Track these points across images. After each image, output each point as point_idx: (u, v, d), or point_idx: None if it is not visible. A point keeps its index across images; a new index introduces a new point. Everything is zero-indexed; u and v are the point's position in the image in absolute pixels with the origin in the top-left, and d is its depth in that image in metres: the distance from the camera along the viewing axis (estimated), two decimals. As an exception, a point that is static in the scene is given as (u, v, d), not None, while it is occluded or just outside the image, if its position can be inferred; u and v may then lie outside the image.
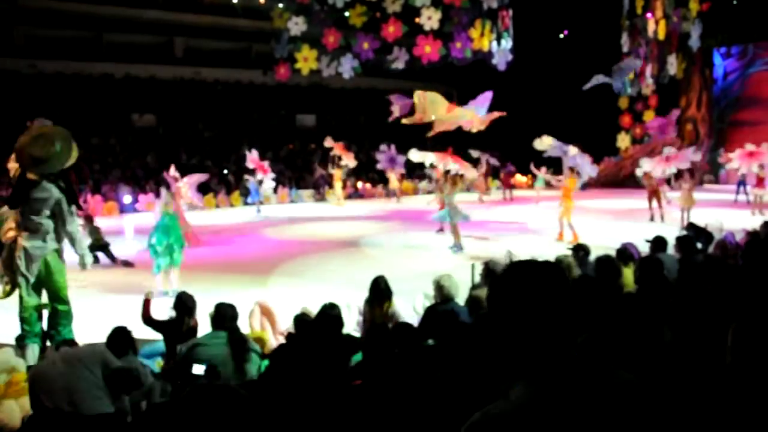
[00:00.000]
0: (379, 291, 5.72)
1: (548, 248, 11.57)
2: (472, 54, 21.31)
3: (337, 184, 24.01)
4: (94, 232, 12.17)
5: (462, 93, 40.35)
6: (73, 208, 6.50)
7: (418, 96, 14.14)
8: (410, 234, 15.71)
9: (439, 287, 5.51)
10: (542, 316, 1.45)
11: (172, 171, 14.99)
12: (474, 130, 15.02)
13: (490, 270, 5.60)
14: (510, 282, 1.51)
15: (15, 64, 29.06)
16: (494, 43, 21.16)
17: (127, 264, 11.98)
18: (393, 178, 25.57)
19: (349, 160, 22.86)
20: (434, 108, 14.01)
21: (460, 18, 21.45)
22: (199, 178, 15.34)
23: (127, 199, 22.86)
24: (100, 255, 11.73)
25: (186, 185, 14.33)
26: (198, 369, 4.17)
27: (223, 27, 32.31)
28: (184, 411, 1.93)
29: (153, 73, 32.29)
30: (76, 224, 6.55)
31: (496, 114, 14.59)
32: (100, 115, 28.88)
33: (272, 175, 21.17)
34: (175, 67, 33.12)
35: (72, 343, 4.88)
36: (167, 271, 9.41)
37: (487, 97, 14.70)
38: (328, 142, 22.63)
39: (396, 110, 16.13)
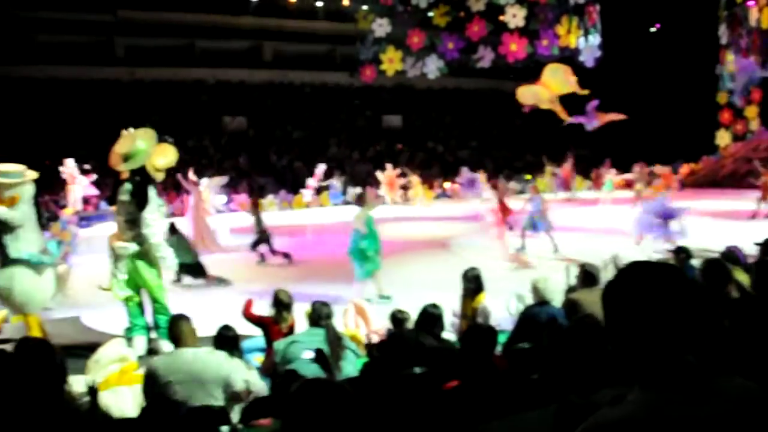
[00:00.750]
0: (472, 283, 5.74)
1: (637, 251, 11.15)
2: (559, 51, 20.85)
3: (417, 188, 23.91)
4: (258, 223, 12.32)
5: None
6: (152, 213, 6.63)
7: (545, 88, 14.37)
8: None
9: (535, 289, 5.42)
10: (662, 319, 1.43)
11: (191, 175, 14.75)
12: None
13: (587, 273, 5.46)
14: (629, 284, 1.49)
15: (116, 73, 30.67)
16: (581, 40, 20.63)
17: (286, 256, 12.20)
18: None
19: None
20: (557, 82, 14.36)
21: (545, 15, 21.04)
22: (219, 180, 15.23)
23: (220, 199, 23.60)
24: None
25: (207, 189, 14.27)
26: (308, 354, 4.34)
27: (309, 31, 32.99)
28: (296, 405, 2.00)
29: (243, 77, 33.36)
30: (150, 227, 6.65)
31: (615, 116, 14.45)
32: (194, 118, 30.04)
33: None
34: (264, 71, 34.10)
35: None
36: (375, 276, 9.38)
37: (593, 106, 14.60)
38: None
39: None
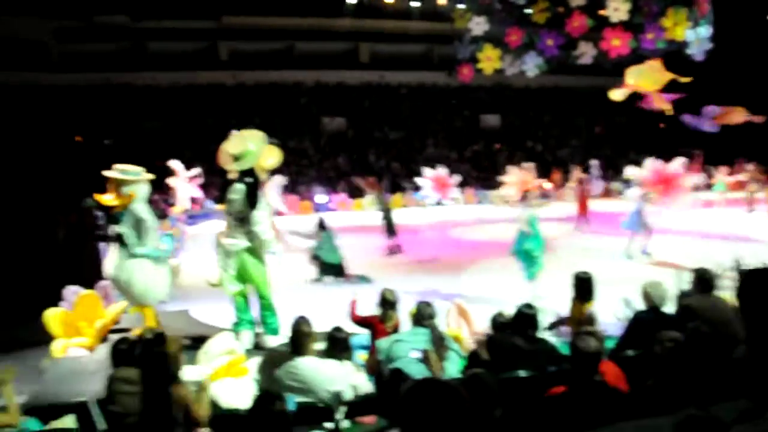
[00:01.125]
0: (585, 289, 5.54)
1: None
2: (665, 45, 19.89)
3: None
4: (380, 202, 12.41)
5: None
6: (262, 211, 6.79)
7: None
8: (602, 238, 15.09)
9: (645, 294, 5.22)
10: None
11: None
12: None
13: (702, 278, 5.19)
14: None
15: (219, 77, 31.91)
16: (690, 32, 19.58)
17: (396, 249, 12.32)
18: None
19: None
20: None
21: (650, 7, 20.11)
22: (279, 180, 14.75)
23: (320, 198, 24.12)
24: None
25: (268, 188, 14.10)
26: (414, 354, 4.36)
27: (405, 31, 33.09)
28: (410, 406, 1.99)
29: (341, 78, 33.88)
30: (260, 224, 6.81)
31: (742, 114, 13.75)
32: (294, 120, 30.82)
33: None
34: (361, 72, 34.51)
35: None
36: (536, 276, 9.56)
37: (710, 110, 13.93)
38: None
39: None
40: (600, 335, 4.49)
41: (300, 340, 4.27)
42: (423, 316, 4.71)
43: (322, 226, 10.33)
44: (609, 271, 10.52)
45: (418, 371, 4.25)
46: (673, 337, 3.59)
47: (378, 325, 5.46)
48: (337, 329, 4.79)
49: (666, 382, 3.44)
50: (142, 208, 6.67)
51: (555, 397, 3.55)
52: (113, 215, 6.59)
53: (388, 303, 5.46)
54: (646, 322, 4.97)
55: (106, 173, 6.61)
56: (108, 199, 6.50)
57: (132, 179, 6.52)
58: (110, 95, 28.99)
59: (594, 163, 25.91)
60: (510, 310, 5.00)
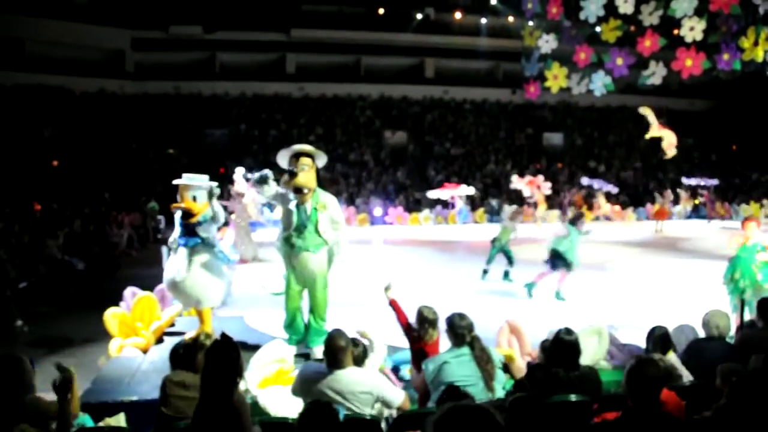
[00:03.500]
0: (658, 344, 4.93)
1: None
2: (741, 66, 19.16)
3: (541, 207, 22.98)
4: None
5: (726, 108, 36.80)
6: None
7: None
8: (665, 260, 14.68)
9: (705, 323, 5.02)
10: None
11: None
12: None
13: (765, 307, 4.97)
14: None
15: (286, 89, 32.53)
16: (771, 52, 18.76)
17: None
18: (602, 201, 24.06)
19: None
20: None
21: (728, 26, 19.42)
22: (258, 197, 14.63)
23: (377, 211, 24.23)
24: None
25: (252, 202, 14.04)
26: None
27: (472, 47, 32.98)
28: (442, 428, 1.94)
29: (405, 93, 34.02)
30: (334, 234, 6.55)
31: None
32: (356, 132, 31.10)
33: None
34: (425, 86, 34.59)
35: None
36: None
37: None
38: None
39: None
40: (666, 364, 4.31)
41: (337, 354, 4.21)
42: (461, 334, 4.54)
43: (574, 221, 10.46)
44: (667, 294, 10.20)
45: (473, 391, 4.18)
46: (734, 370, 3.44)
47: (417, 342, 5.30)
48: (354, 343, 4.67)
49: (725, 417, 3.29)
50: (220, 210, 6.76)
51: (607, 424, 3.44)
52: (187, 224, 6.63)
53: (428, 321, 5.25)
54: (703, 351, 4.82)
55: (178, 181, 6.69)
56: (189, 204, 6.54)
57: (196, 185, 6.64)
58: (179, 104, 29.91)
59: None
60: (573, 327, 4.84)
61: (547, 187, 21.62)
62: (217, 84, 31.57)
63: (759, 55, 19.18)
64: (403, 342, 5.63)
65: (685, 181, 26.80)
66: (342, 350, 4.18)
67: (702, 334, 5.24)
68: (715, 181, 26.51)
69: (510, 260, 11.90)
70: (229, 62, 32.68)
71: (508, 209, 17.22)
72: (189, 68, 31.71)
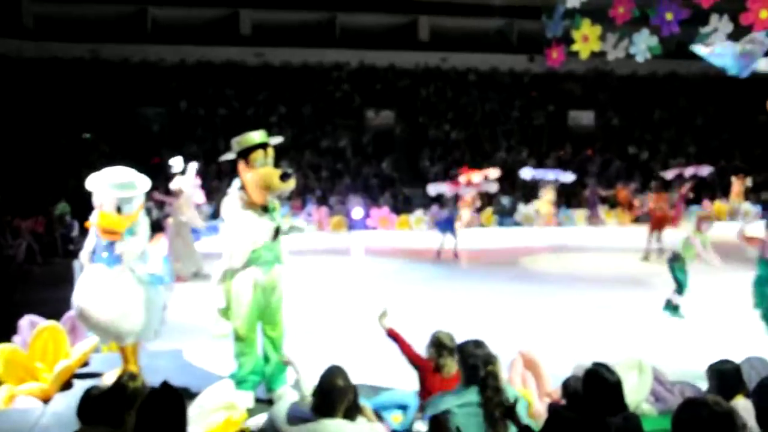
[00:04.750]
0: (724, 382, 4.89)
1: None
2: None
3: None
4: None
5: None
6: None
7: None
8: (713, 276, 14.77)
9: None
10: None
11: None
12: None
13: None
14: None
15: (240, 54, 32.42)
16: None
17: None
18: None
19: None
20: None
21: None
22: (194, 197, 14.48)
23: (357, 212, 24.17)
24: None
25: (187, 201, 14.00)
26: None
27: (477, 2, 32.95)
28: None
29: (393, 60, 34.02)
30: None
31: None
32: (330, 112, 31.04)
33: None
34: (418, 52, 34.61)
35: None
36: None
37: None
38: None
39: None
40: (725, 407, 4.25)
41: (332, 396, 4.20)
42: (474, 366, 4.49)
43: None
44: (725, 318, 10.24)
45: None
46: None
47: (431, 373, 5.40)
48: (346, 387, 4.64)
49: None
50: (144, 223, 6.70)
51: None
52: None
53: (445, 348, 5.37)
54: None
55: (92, 187, 6.53)
56: (110, 221, 6.42)
57: (131, 194, 6.51)
58: (97, 73, 29.61)
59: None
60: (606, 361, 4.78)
61: (488, 182, 20.76)
62: (150, 48, 31.34)
63: None
64: (385, 380, 5.63)
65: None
66: (340, 393, 4.20)
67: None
68: (706, 170, 24.66)
69: (681, 286, 11.22)
70: (165, 19, 32.53)
71: (698, 213, 16.93)
72: (111, 26, 31.45)
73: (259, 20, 33.49)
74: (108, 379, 6.12)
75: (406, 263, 17.20)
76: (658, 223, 17.27)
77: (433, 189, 20.02)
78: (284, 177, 6.29)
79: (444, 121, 32.22)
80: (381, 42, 34.21)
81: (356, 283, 14.02)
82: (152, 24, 32.57)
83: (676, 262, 11.17)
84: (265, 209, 6.46)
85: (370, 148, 30.31)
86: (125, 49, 30.92)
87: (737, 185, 26.84)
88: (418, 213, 25.02)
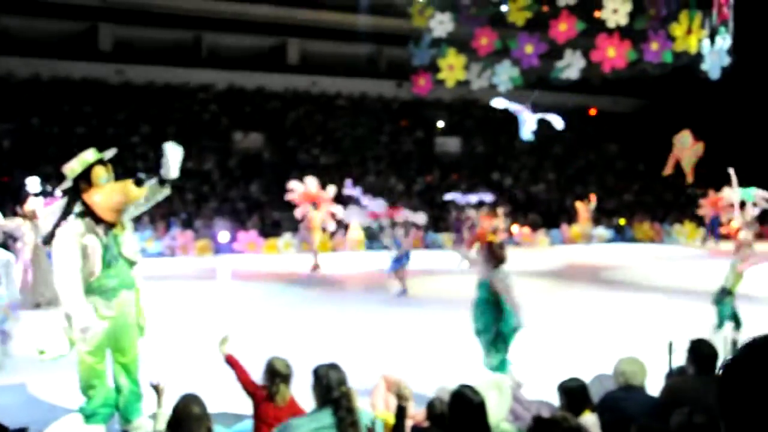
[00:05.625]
0: (572, 397, 5.06)
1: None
2: (672, 58, 20.45)
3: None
4: None
5: (655, 108, 39.12)
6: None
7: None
8: (574, 296, 15.38)
9: (620, 372, 5.27)
10: None
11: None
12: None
13: (700, 353, 5.26)
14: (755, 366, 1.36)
15: (100, 71, 31.50)
16: (705, 42, 20.06)
17: None
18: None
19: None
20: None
21: (658, 10, 20.66)
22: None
23: (223, 236, 23.87)
24: None
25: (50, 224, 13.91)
26: None
27: (346, 27, 33.31)
28: None
29: (261, 83, 33.89)
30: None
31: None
32: (196, 133, 30.51)
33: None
34: (287, 75, 34.61)
35: None
36: None
37: None
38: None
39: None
40: (573, 423, 4.43)
41: (188, 425, 4.09)
42: (327, 387, 4.49)
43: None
44: (589, 341, 10.65)
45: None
46: (650, 428, 3.57)
47: (264, 402, 5.31)
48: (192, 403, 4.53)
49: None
50: None
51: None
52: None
53: (279, 376, 5.28)
54: (618, 404, 5.05)
55: None
56: None
57: None
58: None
59: None
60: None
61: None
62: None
63: (692, 46, 20.40)
64: (247, 408, 5.56)
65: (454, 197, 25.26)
66: (196, 420, 4.09)
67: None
68: (487, 197, 24.75)
69: (738, 323, 10.39)
70: (16, 30, 31.18)
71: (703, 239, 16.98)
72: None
73: (121, 36, 32.69)
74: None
75: (274, 287, 17.11)
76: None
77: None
78: (138, 183, 6.15)
79: (313, 145, 32.28)
80: (250, 64, 34.05)
81: (222, 307, 13.80)
82: (2, 35, 31.14)
83: (725, 297, 10.44)
84: (110, 229, 6.21)
85: (238, 170, 29.99)
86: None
87: (583, 210, 28.02)
88: (287, 236, 24.92)
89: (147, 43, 32.89)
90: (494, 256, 8.27)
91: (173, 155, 6.39)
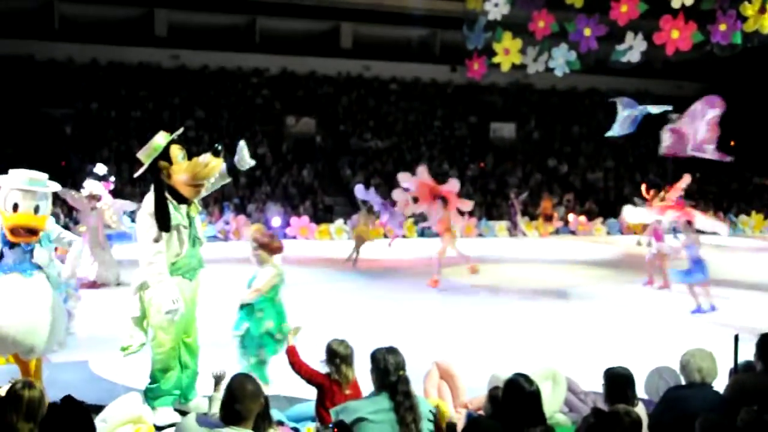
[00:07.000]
0: (619, 387, 4.94)
1: None
2: (742, 40, 19.69)
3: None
4: None
5: (721, 92, 37.86)
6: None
7: None
8: (631, 287, 15.21)
9: (683, 366, 5.17)
10: None
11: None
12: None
13: (767, 346, 5.16)
14: None
15: (156, 56, 31.92)
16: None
17: None
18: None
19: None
20: None
21: (727, -12, 19.88)
22: (123, 204, 14.79)
23: (276, 221, 24.01)
24: None
25: (111, 208, 14.21)
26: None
27: (401, 11, 33.14)
28: None
29: (314, 67, 33.97)
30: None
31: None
32: (248, 118, 30.78)
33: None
34: (340, 60, 34.63)
35: None
36: None
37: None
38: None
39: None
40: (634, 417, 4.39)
41: (243, 403, 4.12)
42: (385, 372, 4.55)
43: None
44: (640, 330, 10.53)
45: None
46: (717, 424, 3.54)
47: (329, 387, 5.35)
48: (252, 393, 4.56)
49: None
50: (56, 228, 6.57)
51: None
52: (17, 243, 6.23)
53: (339, 357, 5.33)
54: (682, 402, 4.95)
55: (11, 183, 6.22)
56: (31, 219, 6.12)
57: (46, 190, 6.30)
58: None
59: None
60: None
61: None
62: (58, 45, 30.61)
63: (765, 26, 19.66)
64: (301, 392, 5.61)
65: None
66: (251, 400, 4.10)
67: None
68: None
69: None
70: (74, 16, 31.73)
71: None
72: (15, 20, 30.55)
73: (175, 21, 33.04)
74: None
75: (325, 272, 17.14)
76: None
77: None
78: (216, 153, 6.24)
79: (365, 129, 32.30)
80: (302, 48, 34.12)
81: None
82: (60, 20, 31.68)
83: None
84: (187, 214, 6.30)
85: (290, 155, 30.16)
86: (33, 46, 30.21)
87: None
88: (339, 222, 25.01)
89: (201, 28, 33.14)
90: None
91: (245, 149, 6.46)
